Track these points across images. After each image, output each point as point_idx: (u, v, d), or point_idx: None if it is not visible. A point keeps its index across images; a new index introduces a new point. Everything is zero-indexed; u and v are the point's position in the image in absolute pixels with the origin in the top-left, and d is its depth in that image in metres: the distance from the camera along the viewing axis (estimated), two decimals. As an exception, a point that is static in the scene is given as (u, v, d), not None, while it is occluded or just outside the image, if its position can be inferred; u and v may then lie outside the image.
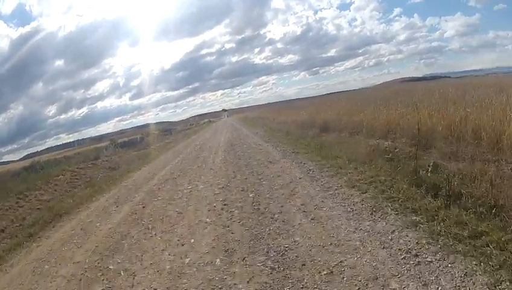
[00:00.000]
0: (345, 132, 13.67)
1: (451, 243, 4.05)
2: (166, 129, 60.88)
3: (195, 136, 33.81)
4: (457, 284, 3.40)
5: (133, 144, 34.87)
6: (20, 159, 59.44)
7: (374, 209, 5.50)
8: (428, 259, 3.86)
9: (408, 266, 3.82)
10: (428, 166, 6.68)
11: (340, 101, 26.84)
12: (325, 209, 5.90)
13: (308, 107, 28.13)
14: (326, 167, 8.79)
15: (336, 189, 6.92)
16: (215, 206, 7.20)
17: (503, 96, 10.09)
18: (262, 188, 7.96)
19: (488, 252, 3.75)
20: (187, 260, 4.96)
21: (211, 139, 24.83)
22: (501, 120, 7.67)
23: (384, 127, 11.70)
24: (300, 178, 8.21)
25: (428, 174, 6.38)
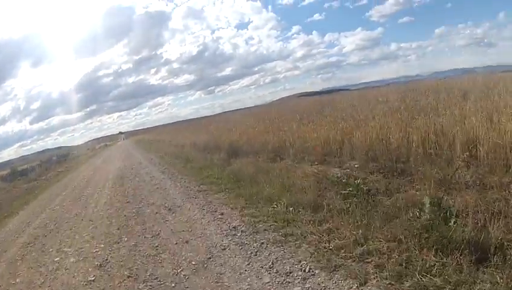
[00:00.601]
0: (262, 156, 10.69)
1: None
2: (64, 154, 58.00)
3: (87, 164, 28.73)
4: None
5: (32, 171, 31.70)
6: None
7: None
8: None
9: None
10: (429, 205, 4.10)
11: (243, 119, 24.41)
12: None
13: (207, 127, 25.56)
14: (260, 221, 5.43)
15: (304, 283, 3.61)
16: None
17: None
18: (161, 274, 4.42)
19: None
20: None
21: (100, 169, 20.55)
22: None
23: (320, 147, 8.85)
24: (224, 248, 4.78)
25: (453, 224, 3.79)
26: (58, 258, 5.80)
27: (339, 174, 6.56)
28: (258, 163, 9.90)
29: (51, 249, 6.41)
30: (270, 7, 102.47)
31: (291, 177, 7.40)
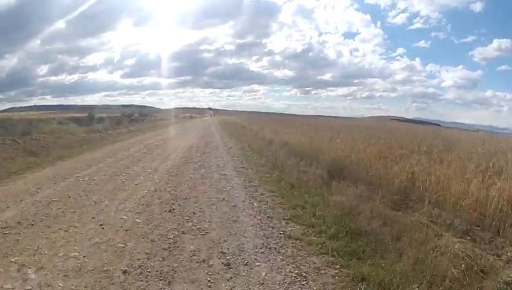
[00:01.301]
0: (380, 191, 7.15)
1: None
2: (146, 114, 55.42)
3: (159, 131, 26.26)
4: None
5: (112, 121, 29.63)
6: (3, 110, 55.38)
7: None
8: None
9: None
10: None
11: (342, 128, 20.40)
12: None
13: (301, 127, 22.29)
14: None
15: None
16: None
17: None
18: None
19: None
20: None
21: (168, 142, 18.04)
22: None
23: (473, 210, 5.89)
24: None
25: None
26: None
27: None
28: (376, 205, 6.16)
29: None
30: (378, 23, 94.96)
31: (429, 254, 4.35)
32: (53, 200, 6.30)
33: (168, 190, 7.31)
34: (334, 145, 11.96)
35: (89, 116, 34.47)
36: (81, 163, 10.38)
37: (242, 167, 10.08)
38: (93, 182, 7.86)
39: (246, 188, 7.65)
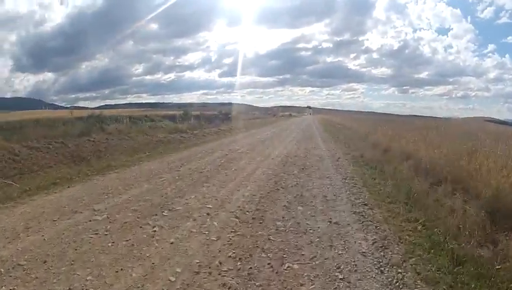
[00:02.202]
0: None
1: None
2: (243, 112, 53.14)
3: (248, 133, 22.33)
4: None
5: (206, 119, 28.42)
6: (96, 108, 57.33)
7: None
8: None
9: None
10: None
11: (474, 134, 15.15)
12: None
13: (413, 129, 17.75)
14: None
15: None
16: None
17: None
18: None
19: None
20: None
21: (264, 145, 14.34)
22: None
23: None
24: None
25: None
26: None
27: None
28: None
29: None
30: (469, 18, 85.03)
31: None
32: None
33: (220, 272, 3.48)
34: (483, 163, 7.27)
35: (184, 114, 32.63)
36: (117, 182, 7.16)
37: (363, 203, 5.93)
38: (103, 230, 4.34)
39: (381, 267, 3.64)
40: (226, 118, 36.81)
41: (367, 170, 9.00)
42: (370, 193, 6.61)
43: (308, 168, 8.95)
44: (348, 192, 6.65)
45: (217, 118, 34.57)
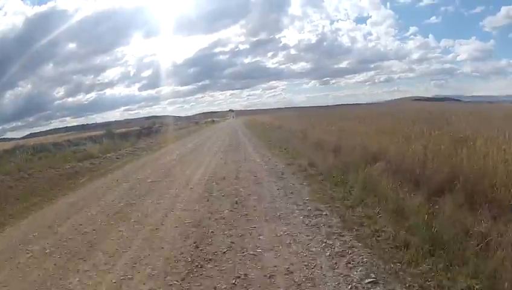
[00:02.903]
0: None
1: None
2: (167, 123, 51.92)
3: (175, 144, 20.09)
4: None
5: (129, 136, 27.07)
6: (23, 137, 57.57)
7: None
8: None
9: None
10: None
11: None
12: None
13: (343, 118, 17.57)
14: None
15: None
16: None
17: None
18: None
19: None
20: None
21: (182, 165, 11.43)
22: None
23: None
24: None
25: None
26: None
27: None
28: None
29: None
30: (388, 4, 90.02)
31: None
32: None
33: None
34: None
35: (107, 133, 31.85)
36: None
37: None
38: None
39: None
40: (148, 132, 34.75)
41: (331, 188, 6.26)
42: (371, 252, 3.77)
43: (245, 201, 5.96)
44: (331, 257, 3.74)
45: (140, 133, 32.92)
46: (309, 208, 5.28)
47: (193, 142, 20.11)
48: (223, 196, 6.44)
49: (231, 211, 5.49)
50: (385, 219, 4.45)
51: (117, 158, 14.73)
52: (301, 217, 4.93)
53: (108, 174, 10.55)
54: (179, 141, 22.47)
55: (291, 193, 6.24)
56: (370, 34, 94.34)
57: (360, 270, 3.33)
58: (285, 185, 6.80)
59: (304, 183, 6.88)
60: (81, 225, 5.50)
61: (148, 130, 37.59)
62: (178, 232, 4.76)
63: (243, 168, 9.10)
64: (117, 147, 18.18)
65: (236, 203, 5.87)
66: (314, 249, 3.86)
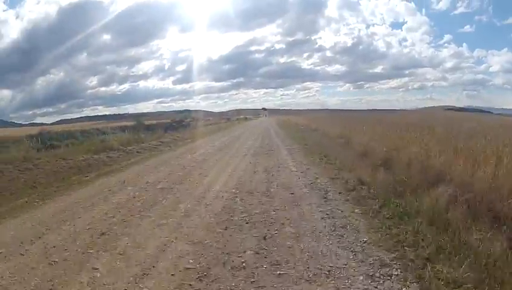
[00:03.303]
0: None
1: None
2: (198, 118, 52.22)
3: (203, 140, 18.73)
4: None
5: (158, 129, 26.16)
6: (53, 123, 58.33)
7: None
8: None
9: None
10: None
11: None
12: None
13: (388, 126, 14.84)
14: None
15: None
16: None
17: None
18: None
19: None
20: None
21: (206, 167, 9.82)
22: None
23: None
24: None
25: None
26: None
27: None
28: None
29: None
30: (423, 10, 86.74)
31: None
32: None
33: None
34: None
35: (137, 124, 31.64)
36: None
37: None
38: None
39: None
40: (178, 125, 34.83)
41: (395, 224, 4.45)
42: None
43: (277, 236, 4.18)
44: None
45: (170, 126, 32.73)
46: (371, 260, 3.46)
47: (221, 139, 18.43)
48: (247, 223, 4.66)
49: (257, 253, 3.71)
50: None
51: (138, 152, 13.34)
52: (361, 278, 3.13)
53: (119, 173, 9.03)
54: (207, 137, 20.89)
55: (342, 227, 4.41)
56: (405, 40, 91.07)
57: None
58: (332, 213, 4.97)
59: (357, 210, 5.05)
60: (62, 240, 4.05)
61: (179, 124, 37.61)
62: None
63: (275, 179, 7.33)
64: (141, 140, 16.63)
65: (265, 238, 4.09)
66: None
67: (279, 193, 6.23)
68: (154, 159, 11.48)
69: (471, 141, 8.21)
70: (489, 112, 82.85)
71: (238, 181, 7.26)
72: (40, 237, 4.35)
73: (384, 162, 8.06)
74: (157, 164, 10.32)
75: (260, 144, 15.01)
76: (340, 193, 6.03)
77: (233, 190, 6.48)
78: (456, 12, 79.80)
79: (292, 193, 6.14)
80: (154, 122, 39.33)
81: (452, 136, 9.67)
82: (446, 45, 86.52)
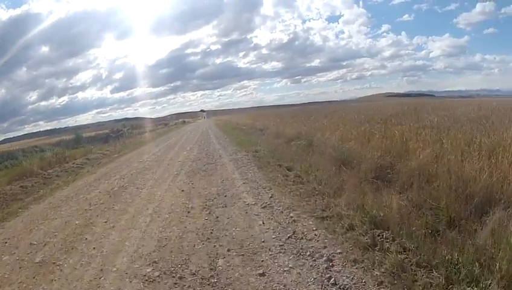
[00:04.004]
0: None
1: None
2: (137, 126, 48.48)
3: (136, 151, 15.69)
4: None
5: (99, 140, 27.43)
6: None
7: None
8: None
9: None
10: None
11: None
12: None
13: (326, 117, 14.75)
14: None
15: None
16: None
17: None
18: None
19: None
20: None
21: (135, 187, 7.24)
22: None
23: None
24: None
25: None
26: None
27: None
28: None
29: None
30: (361, 3, 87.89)
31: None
32: None
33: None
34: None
35: (76, 138, 32.21)
36: None
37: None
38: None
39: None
40: (116, 135, 33.16)
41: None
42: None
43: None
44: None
45: (108, 137, 31.84)
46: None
47: (153, 151, 14.91)
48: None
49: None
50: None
51: (57, 176, 10.58)
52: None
53: (13, 219, 5.65)
54: (138, 148, 17.27)
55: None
56: (342, 32, 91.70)
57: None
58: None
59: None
60: None
61: (116, 133, 36.10)
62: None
63: (223, 232, 4.20)
64: (65, 159, 13.53)
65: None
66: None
67: (238, 279, 3.04)
68: (66, 191, 8.06)
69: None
70: (432, 95, 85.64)
71: (158, 244, 3.99)
72: None
73: (386, 176, 5.29)
74: (62, 200, 6.98)
75: (197, 154, 11.65)
76: (353, 263, 3.00)
77: (146, 272, 3.23)
78: (394, 2, 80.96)
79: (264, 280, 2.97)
80: (92, 134, 39.37)
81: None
82: (384, 34, 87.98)
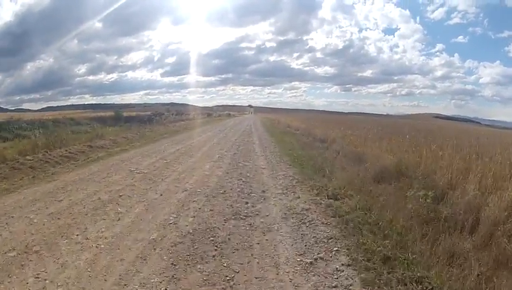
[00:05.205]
0: None
1: None
2: (182, 112, 47.41)
3: (174, 137, 14.37)
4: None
5: (141, 121, 24.99)
6: (39, 110, 52.73)
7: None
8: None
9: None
10: None
11: None
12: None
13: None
14: None
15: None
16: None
17: None
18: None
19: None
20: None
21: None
22: None
23: None
24: None
25: None
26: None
27: None
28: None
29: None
30: (418, 18, 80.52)
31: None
32: None
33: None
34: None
35: (115, 116, 31.29)
36: None
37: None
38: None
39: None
40: (157, 118, 31.54)
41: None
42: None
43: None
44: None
45: (149, 119, 29.09)
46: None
47: (195, 139, 13.28)
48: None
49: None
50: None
51: (30, 168, 8.04)
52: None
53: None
54: (181, 134, 15.65)
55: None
56: (397, 46, 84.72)
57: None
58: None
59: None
60: None
61: (157, 116, 33.98)
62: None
63: None
64: (56, 145, 10.68)
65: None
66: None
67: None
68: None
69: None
70: (477, 122, 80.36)
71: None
72: None
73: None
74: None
75: (231, 165, 7.40)
76: None
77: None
78: (450, 22, 74.32)
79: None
80: (133, 114, 37.17)
81: None
82: (438, 53, 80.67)
